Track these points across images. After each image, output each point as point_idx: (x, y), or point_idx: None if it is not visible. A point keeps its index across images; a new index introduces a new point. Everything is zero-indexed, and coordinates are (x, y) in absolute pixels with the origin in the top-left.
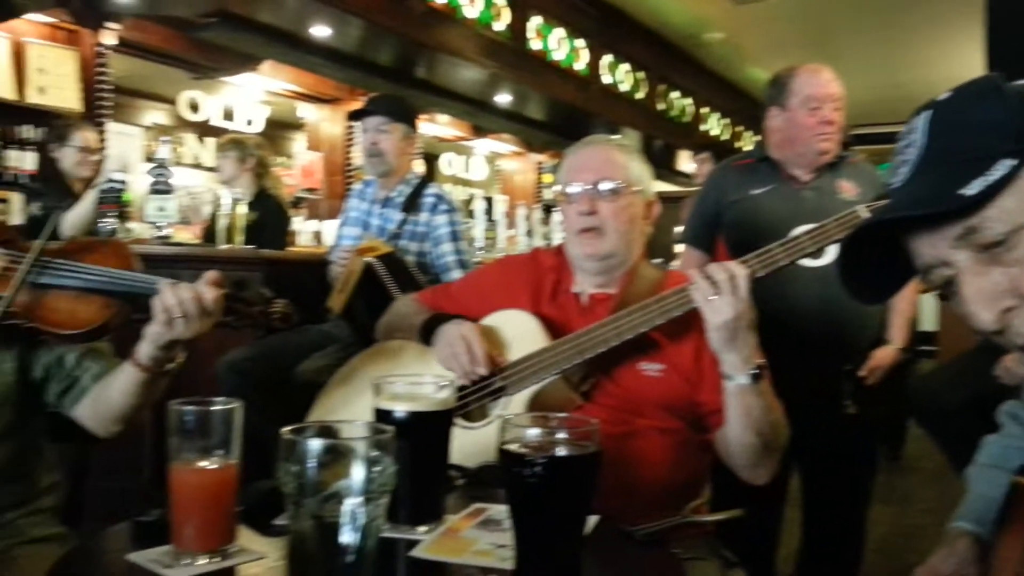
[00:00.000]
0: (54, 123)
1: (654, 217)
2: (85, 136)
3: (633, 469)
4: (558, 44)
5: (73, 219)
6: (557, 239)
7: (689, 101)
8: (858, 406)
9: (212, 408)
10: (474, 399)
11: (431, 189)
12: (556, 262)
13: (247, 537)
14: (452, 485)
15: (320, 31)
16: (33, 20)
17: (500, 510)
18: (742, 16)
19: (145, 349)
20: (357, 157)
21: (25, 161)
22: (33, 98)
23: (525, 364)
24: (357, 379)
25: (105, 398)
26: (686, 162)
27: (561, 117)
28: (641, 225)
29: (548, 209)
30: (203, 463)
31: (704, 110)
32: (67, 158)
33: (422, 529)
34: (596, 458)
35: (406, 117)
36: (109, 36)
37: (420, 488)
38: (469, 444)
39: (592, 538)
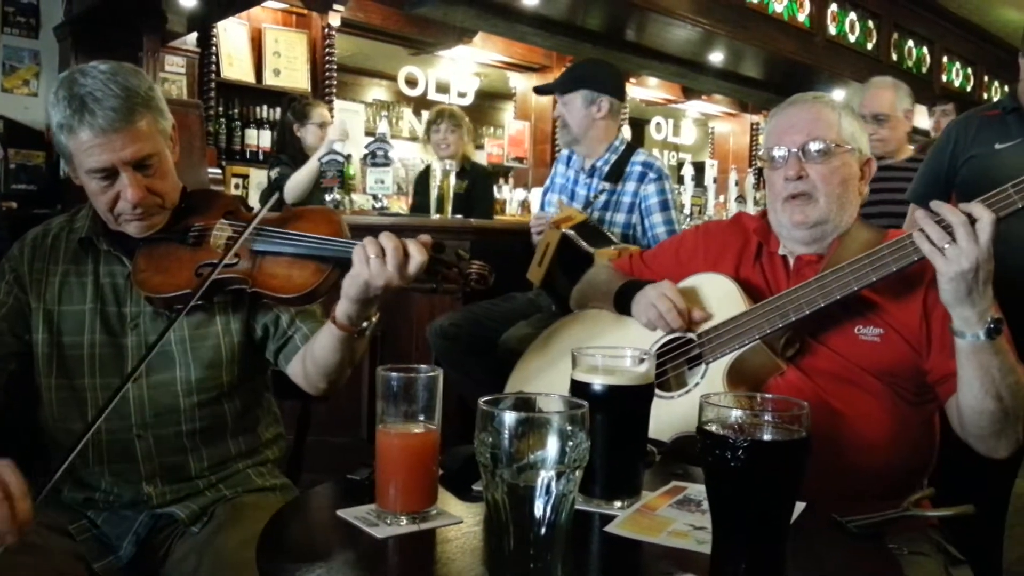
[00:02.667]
0: (295, 103)
1: (870, 177)
2: (322, 113)
3: (847, 449)
4: None
5: (293, 185)
6: None
7: (926, 50)
8: None
9: (416, 375)
10: (671, 367)
11: (639, 157)
12: (760, 225)
13: (447, 500)
14: (650, 460)
15: (530, 0)
16: (268, 7)
17: (699, 490)
18: None
19: (342, 305)
20: None
21: (263, 139)
22: (269, 80)
23: (723, 329)
24: (553, 348)
25: (310, 356)
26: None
27: (780, 74)
28: (857, 186)
29: (762, 173)
30: (407, 427)
31: (944, 59)
32: (309, 135)
33: (618, 504)
34: (804, 444)
35: (588, 84)
36: (335, 18)
37: (617, 463)
38: (664, 413)
39: (798, 527)
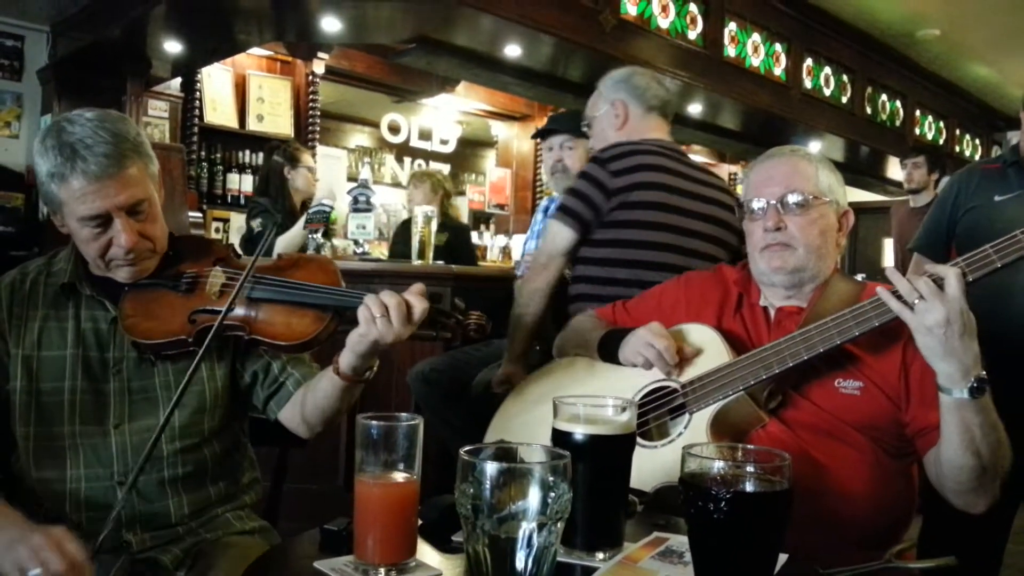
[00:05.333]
0: (284, 147)
1: (848, 228)
2: (309, 159)
3: (830, 500)
4: (755, 49)
5: (284, 242)
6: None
7: (899, 104)
8: None
9: (397, 423)
10: (653, 416)
11: None
12: (740, 276)
13: (426, 552)
14: (632, 511)
15: (512, 51)
16: (253, 54)
17: (681, 541)
18: (962, 9)
19: (346, 357)
20: (544, 173)
21: (244, 183)
22: (252, 125)
23: (707, 379)
24: (533, 394)
25: (307, 403)
26: (895, 169)
27: (757, 125)
28: (835, 237)
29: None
30: (387, 477)
31: (916, 112)
32: (300, 178)
33: (600, 556)
34: (787, 496)
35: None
36: (319, 65)
37: (598, 513)
38: (647, 463)
39: None
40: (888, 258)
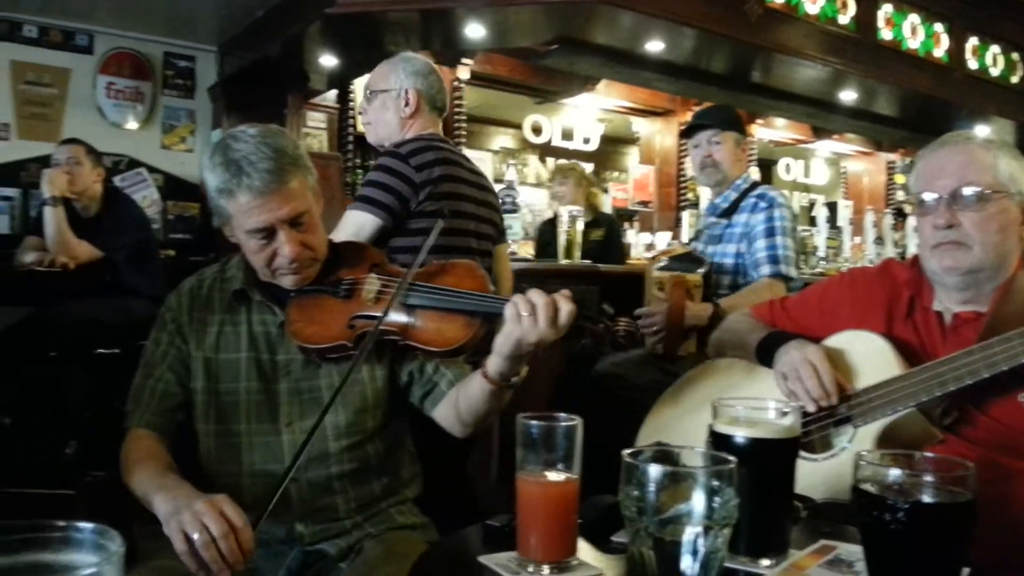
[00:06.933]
0: None
1: None
2: None
3: (1010, 518)
4: (912, 32)
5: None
6: (912, 247)
7: None
8: None
9: (555, 423)
10: (815, 427)
11: (756, 191)
12: (911, 276)
13: (586, 551)
14: (796, 517)
15: (654, 46)
16: None
17: (851, 550)
18: None
19: (493, 361)
20: (689, 168)
21: None
22: None
23: (875, 393)
24: (687, 398)
25: (460, 403)
26: None
27: (915, 111)
28: (1018, 232)
29: (900, 214)
30: (547, 476)
31: None
32: None
33: (764, 563)
34: (970, 507)
35: (736, 125)
36: (464, 71)
37: (763, 519)
38: (807, 476)
39: None
40: None
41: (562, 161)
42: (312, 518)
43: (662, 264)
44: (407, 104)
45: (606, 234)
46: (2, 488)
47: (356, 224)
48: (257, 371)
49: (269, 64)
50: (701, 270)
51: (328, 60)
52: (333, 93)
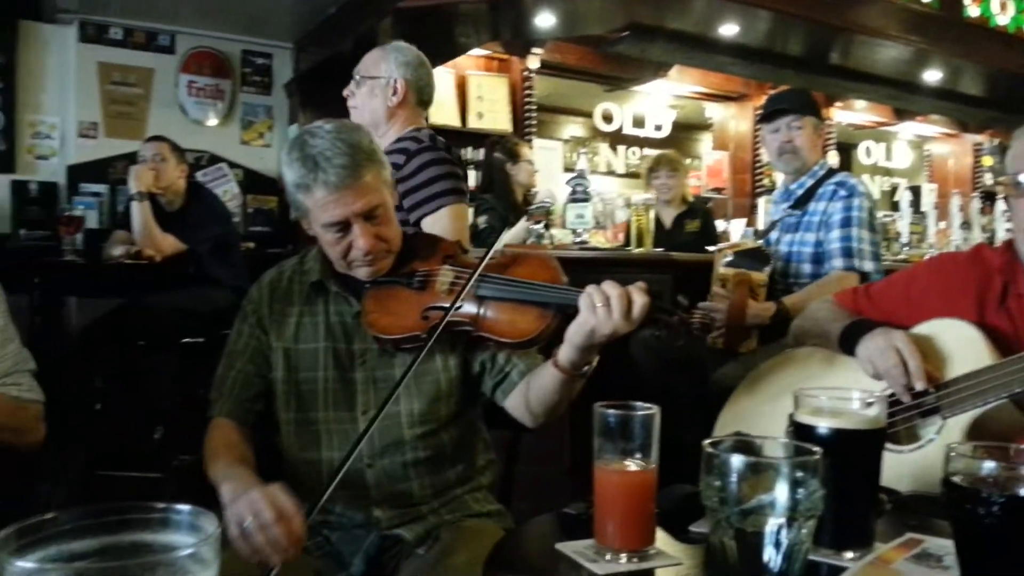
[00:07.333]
0: (503, 142)
1: None
2: (528, 152)
3: None
4: (1001, 7)
5: (508, 238)
6: (1001, 232)
7: None
8: None
9: (633, 412)
10: (901, 418)
11: (835, 178)
12: (1005, 261)
13: (664, 541)
14: (881, 509)
15: (728, 30)
16: (472, 55)
17: (940, 544)
18: None
19: (565, 350)
20: (765, 154)
21: (467, 178)
22: (473, 123)
23: (965, 383)
24: (765, 388)
25: (531, 393)
26: None
27: (1005, 90)
28: None
29: (988, 197)
30: (624, 465)
31: None
32: (522, 172)
33: (848, 556)
34: None
35: (815, 109)
36: (533, 61)
37: (847, 510)
38: (894, 468)
39: None
40: None
41: (663, 152)
42: (388, 503)
43: (728, 259)
44: (395, 93)
45: (702, 224)
46: (95, 470)
47: (461, 217)
48: (334, 360)
49: (342, 59)
50: (767, 268)
51: None
52: None
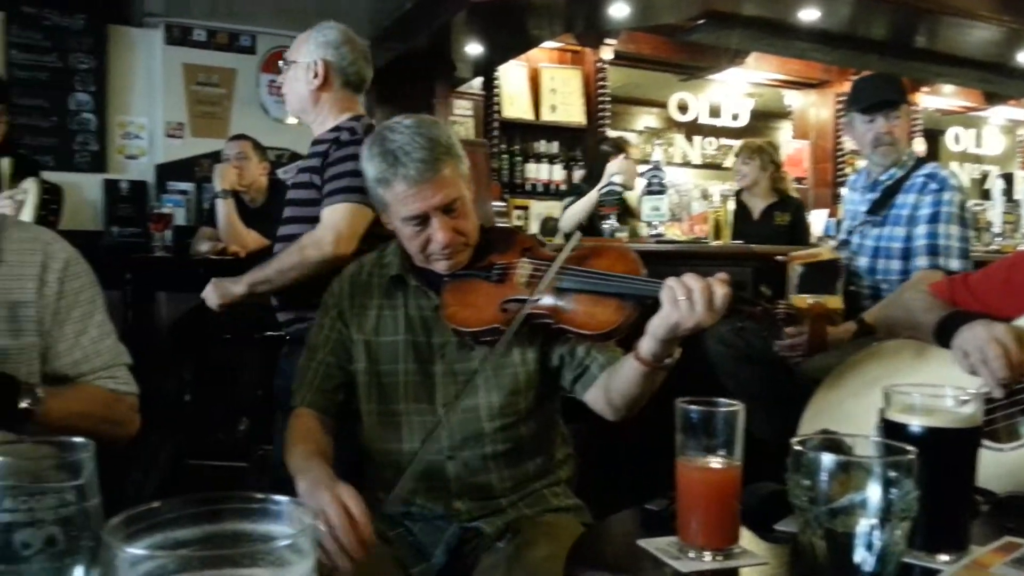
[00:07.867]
0: (609, 138)
1: None
2: (632, 148)
3: None
4: None
5: (569, 215)
6: None
7: None
8: None
9: (715, 408)
10: (1002, 415)
11: (925, 169)
12: None
13: (748, 539)
14: (977, 511)
15: (808, 15)
16: (545, 47)
17: None
18: None
19: (646, 342)
20: (848, 143)
21: (541, 172)
22: (546, 116)
23: None
24: (852, 381)
25: (611, 386)
26: None
27: None
28: None
29: None
30: (707, 461)
31: None
32: (614, 164)
33: (942, 558)
34: None
35: (907, 96)
36: (607, 51)
37: (941, 512)
38: (992, 467)
39: None
40: None
41: (752, 140)
42: (469, 495)
43: (799, 271)
44: (315, 76)
45: (793, 218)
46: (183, 459)
47: (356, 217)
48: (414, 353)
49: (418, 55)
50: (839, 283)
51: (474, 48)
52: (478, 80)
